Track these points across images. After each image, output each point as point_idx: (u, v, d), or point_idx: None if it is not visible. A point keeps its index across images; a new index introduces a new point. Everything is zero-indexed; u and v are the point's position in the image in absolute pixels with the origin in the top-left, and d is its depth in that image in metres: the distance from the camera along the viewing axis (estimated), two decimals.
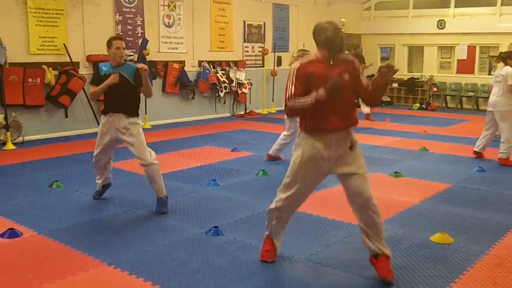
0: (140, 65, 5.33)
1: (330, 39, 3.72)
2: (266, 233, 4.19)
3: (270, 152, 7.95)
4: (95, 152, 5.53)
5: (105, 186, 5.85)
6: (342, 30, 3.81)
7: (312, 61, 3.78)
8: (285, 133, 7.79)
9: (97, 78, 5.39)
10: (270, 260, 4.10)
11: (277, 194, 4.03)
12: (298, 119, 7.59)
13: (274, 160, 7.91)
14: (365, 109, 12.02)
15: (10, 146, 8.77)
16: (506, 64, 7.78)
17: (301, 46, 15.04)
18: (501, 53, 8.50)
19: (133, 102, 5.43)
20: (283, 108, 7.56)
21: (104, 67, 5.41)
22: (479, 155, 8.21)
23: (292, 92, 3.72)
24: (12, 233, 4.65)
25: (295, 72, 3.75)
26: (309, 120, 3.78)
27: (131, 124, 5.32)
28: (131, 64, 5.48)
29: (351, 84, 3.75)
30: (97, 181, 5.79)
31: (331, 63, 3.74)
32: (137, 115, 5.41)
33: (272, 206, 4.07)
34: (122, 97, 5.32)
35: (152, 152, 5.38)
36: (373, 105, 3.93)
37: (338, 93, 3.61)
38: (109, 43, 5.36)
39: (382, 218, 3.86)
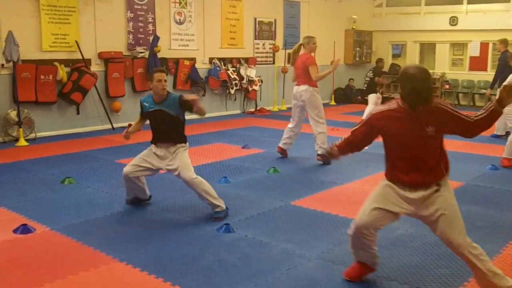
0: (190, 97, 5.05)
1: (416, 90, 3.26)
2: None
3: (280, 145, 7.98)
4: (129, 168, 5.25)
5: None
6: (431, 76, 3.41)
7: (393, 110, 3.43)
8: (289, 125, 7.87)
9: (142, 113, 5.35)
10: None
11: None
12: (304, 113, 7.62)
13: (283, 153, 7.92)
14: None
15: (22, 142, 8.83)
16: None
17: None
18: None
19: (179, 131, 5.29)
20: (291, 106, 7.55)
21: (146, 103, 5.25)
22: None
23: (356, 128, 3.68)
24: (24, 229, 4.69)
25: (369, 116, 3.57)
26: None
27: (178, 149, 5.21)
28: (172, 96, 5.22)
29: (437, 137, 3.41)
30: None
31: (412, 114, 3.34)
32: (184, 141, 5.30)
33: None
34: (166, 130, 5.20)
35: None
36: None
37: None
38: (151, 76, 5.11)
39: None
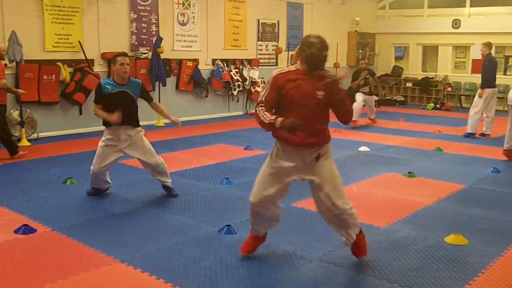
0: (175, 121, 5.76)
1: (313, 56, 3.70)
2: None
3: None
4: (102, 164, 5.56)
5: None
6: (327, 48, 3.77)
7: (291, 72, 3.78)
8: None
9: (100, 97, 5.44)
10: None
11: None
12: None
13: None
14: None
15: (25, 142, 8.84)
16: None
17: None
18: None
19: (136, 114, 5.60)
20: None
21: (108, 86, 5.42)
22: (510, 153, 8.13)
23: (263, 98, 3.77)
24: (26, 229, 4.69)
25: (271, 81, 3.78)
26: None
27: (138, 133, 5.56)
28: (135, 80, 5.60)
29: (325, 102, 3.76)
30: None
31: (308, 77, 3.74)
32: (139, 125, 5.63)
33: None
34: (127, 113, 5.43)
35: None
36: (345, 122, 3.92)
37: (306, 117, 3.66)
38: (114, 59, 5.39)
39: None
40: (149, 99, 5.71)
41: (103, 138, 5.56)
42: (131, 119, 5.50)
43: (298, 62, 3.80)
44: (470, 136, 10.24)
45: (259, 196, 3.98)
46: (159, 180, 5.84)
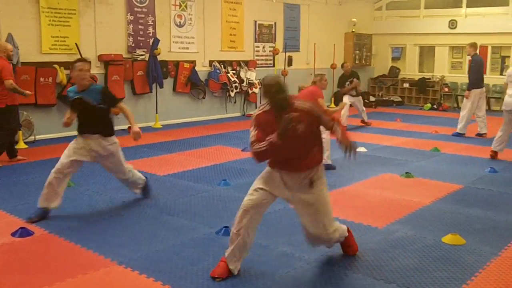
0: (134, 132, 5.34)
1: (272, 101, 3.77)
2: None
3: None
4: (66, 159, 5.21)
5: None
6: (283, 89, 3.76)
7: (266, 112, 3.82)
8: None
9: (69, 103, 5.37)
10: None
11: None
12: None
13: None
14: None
15: (21, 145, 8.82)
16: None
17: (312, 46, 15.08)
18: None
19: (104, 123, 5.34)
20: None
21: (70, 93, 5.31)
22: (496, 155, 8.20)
23: (254, 138, 3.79)
24: (23, 232, 4.68)
25: (254, 122, 3.85)
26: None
27: (110, 145, 5.32)
28: (95, 87, 5.35)
29: (310, 132, 3.83)
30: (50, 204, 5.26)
31: (278, 119, 3.72)
32: (112, 134, 5.37)
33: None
34: (93, 121, 5.27)
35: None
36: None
37: (293, 142, 3.71)
38: (73, 66, 5.21)
39: None
40: (113, 104, 5.40)
41: (72, 143, 5.30)
42: (97, 128, 5.26)
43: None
44: (458, 135, 10.36)
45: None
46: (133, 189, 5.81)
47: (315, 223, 3.92)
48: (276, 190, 3.94)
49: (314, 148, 3.93)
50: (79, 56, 9.74)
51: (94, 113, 5.24)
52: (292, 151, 3.78)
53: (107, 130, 5.32)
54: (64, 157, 5.23)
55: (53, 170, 5.22)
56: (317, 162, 3.96)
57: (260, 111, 3.86)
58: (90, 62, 5.50)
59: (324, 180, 4.03)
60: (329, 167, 7.39)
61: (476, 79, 10.28)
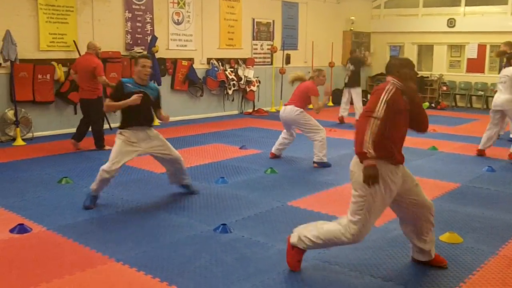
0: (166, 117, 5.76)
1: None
2: (305, 248, 3.93)
3: (273, 151, 7.98)
4: (119, 165, 5.33)
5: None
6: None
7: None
8: (283, 134, 7.92)
9: (120, 94, 5.40)
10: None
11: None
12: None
13: (276, 157, 7.95)
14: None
15: (19, 142, 8.82)
16: (510, 65, 8.00)
17: (310, 44, 15.08)
18: (505, 52, 8.60)
19: (153, 115, 5.69)
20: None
21: (129, 84, 5.44)
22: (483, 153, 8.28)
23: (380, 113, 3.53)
24: (21, 229, 4.68)
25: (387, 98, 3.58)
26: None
27: (154, 133, 5.64)
28: (153, 85, 5.77)
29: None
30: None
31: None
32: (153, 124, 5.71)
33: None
34: (145, 112, 5.50)
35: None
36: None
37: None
38: (136, 61, 5.48)
39: None
40: (159, 105, 5.74)
41: (120, 136, 5.39)
42: (150, 120, 5.57)
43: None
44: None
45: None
46: (176, 181, 5.91)
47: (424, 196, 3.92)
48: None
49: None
50: (77, 53, 9.75)
51: (150, 108, 5.59)
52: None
53: (153, 121, 5.68)
54: (117, 161, 5.33)
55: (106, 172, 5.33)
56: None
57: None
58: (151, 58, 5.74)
59: None
60: (325, 165, 7.41)
61: None
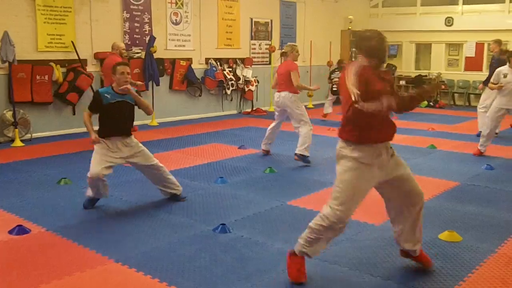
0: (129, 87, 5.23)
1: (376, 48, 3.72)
2: (303, 250, 3.74)
3: (264, 147, 8.18)
4: (99, 168, 5.16)
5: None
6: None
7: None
8: (271, 126, 8.09)
9: (99, 106, 5.24)
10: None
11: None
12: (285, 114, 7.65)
13: (268, 153, 8.13)
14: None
15: (18, 143, 8.81)
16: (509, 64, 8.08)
17: (308, 44, 15.07)
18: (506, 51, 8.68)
19: (133, 122, 5.50)
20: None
21: (107, 94, 5.22)
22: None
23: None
24: (20, 230, 4.68)
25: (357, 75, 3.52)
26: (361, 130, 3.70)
27: (133, 141, 5.39)
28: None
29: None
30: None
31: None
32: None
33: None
34: (126, 121, 5.36)
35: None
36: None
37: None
38: (114, 68, 5.18)
39: None
40: (141, 106, 5.46)
41: (99, 144, 5.28)
42: (128, 128, 5.37)
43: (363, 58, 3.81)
44: None
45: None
46: (165, 191, 5.68)
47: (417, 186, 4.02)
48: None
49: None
50: (75, 54, 9.74)
51: (131, 115, 5.39)
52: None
53: (131, 128, 5.45)
54: (96, 163, 5.21)
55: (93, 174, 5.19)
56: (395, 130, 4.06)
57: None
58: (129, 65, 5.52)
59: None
60: (305, 159, 7.46)
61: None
